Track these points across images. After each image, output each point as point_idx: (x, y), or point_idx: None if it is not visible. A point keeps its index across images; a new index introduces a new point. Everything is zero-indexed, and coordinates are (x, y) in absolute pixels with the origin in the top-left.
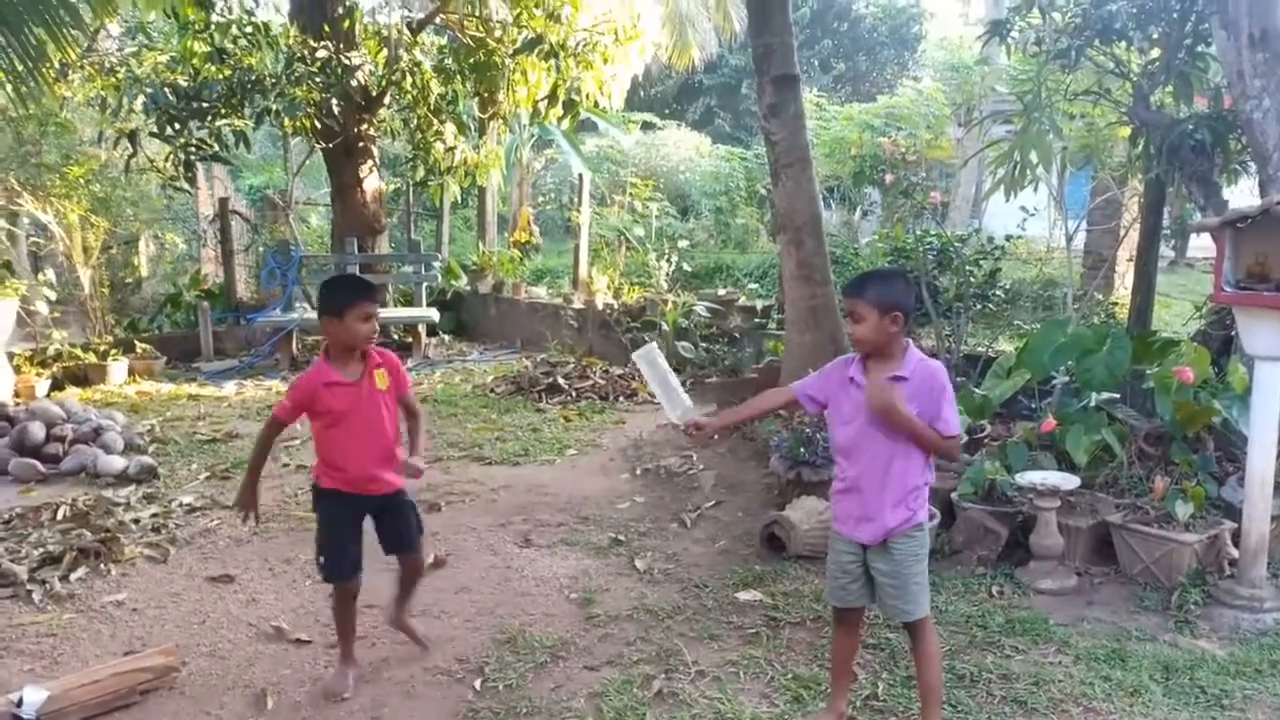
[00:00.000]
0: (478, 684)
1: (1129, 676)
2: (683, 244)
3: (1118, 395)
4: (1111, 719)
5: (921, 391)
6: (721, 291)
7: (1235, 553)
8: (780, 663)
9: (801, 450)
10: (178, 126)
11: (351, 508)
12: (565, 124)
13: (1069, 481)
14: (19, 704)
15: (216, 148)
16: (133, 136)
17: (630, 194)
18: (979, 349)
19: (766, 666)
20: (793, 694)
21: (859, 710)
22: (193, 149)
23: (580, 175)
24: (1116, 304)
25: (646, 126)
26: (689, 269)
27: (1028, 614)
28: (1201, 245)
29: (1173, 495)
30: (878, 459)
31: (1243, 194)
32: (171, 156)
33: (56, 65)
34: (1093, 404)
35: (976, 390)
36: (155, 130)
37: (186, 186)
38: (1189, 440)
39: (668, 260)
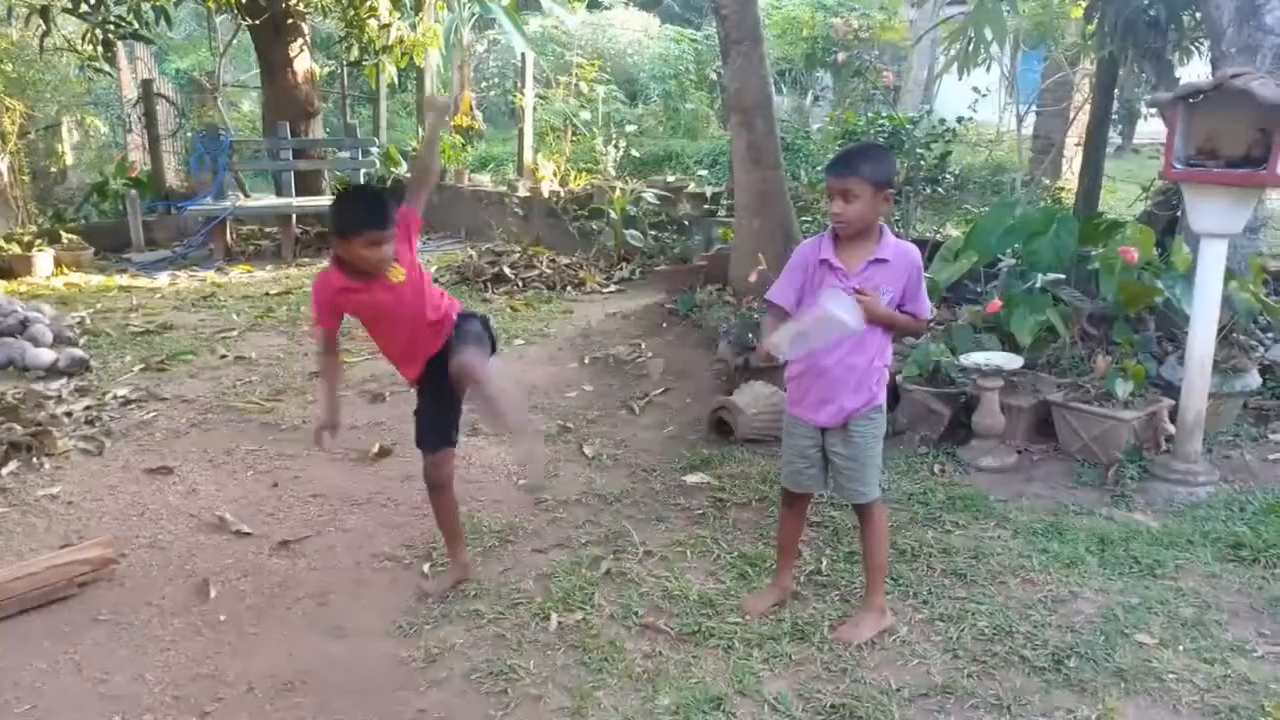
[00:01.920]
0: (426, 568)
1: (1065, 549)
2: (631, 129)
3: (1063, 277)
4: (1049, 589)
5: (901, 274)
6: (671, 178)
7: (1172, 429)
8: (726, 542)
9: (750, 336)
10: (93, 2)
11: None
12: (506, 0)
13: (1012, 362)
14: None
15: (136, 25)
16: (44, 12)
17: (576, 76)
18: (927, 234)
19: (713, 546)
20: (738, 571)
21: (803, 585)
22: (111, 26)
23: (523, 56)
24: (1064, 188)
25: (592, 6)
26: (637, 155)
27: (969, 491)
28: (1148, 131)
29: (1113, 374)
30: (841, 341)
31: (1193, 75)
32: (89, 35)
33: None
34: (1038, 286)
35: (925, 274)
36: (69, 6)
37: (107, 68)
38: (1131, 320)
39: (615, 146)
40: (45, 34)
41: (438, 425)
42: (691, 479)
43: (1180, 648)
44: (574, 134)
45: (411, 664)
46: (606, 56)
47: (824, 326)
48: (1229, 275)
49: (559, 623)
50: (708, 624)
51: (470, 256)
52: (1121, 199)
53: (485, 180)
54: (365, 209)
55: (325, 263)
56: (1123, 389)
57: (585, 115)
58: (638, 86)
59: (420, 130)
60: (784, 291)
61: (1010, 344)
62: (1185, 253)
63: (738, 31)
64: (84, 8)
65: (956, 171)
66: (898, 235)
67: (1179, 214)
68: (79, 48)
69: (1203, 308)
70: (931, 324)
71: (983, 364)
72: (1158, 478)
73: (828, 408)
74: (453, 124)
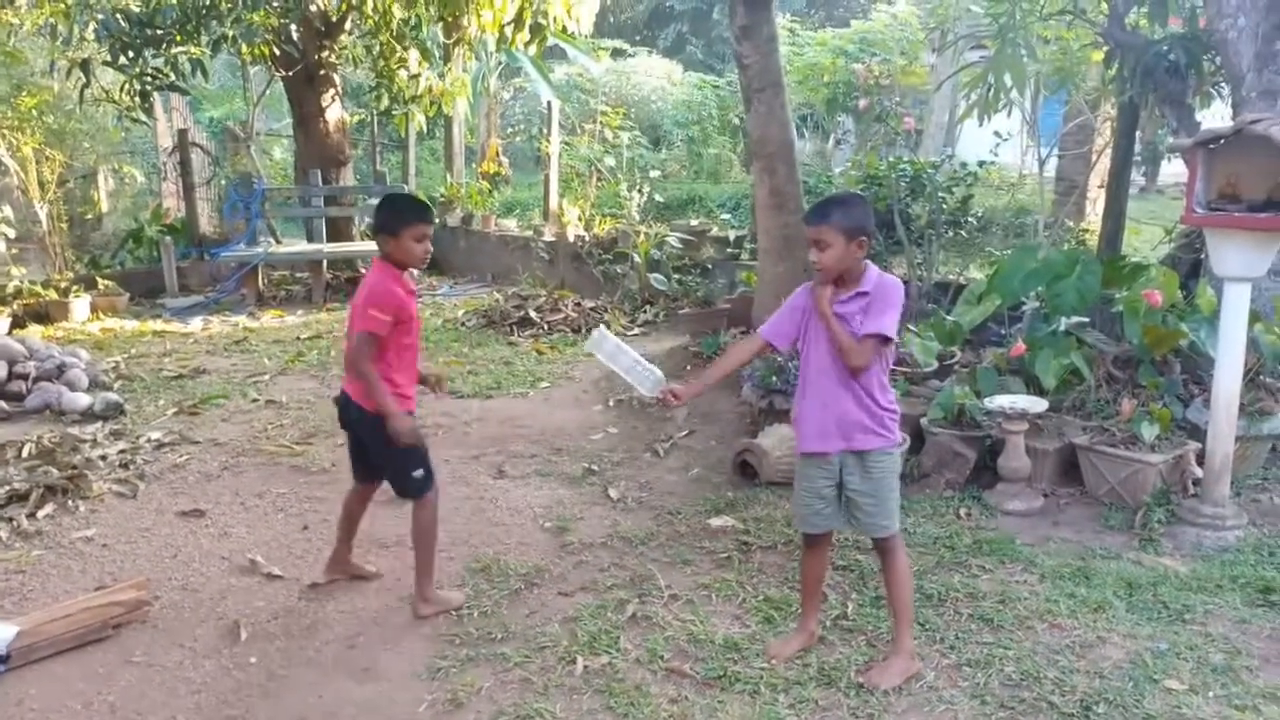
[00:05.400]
0: (452, 611)
1: (1093, 593)
2: (654, 174)
3: (1087, 320)
4: (1076, 634)
5: (874, 300)
6: (694, 222)
7: (1199, 472)
8: (752, 585)
9: (774, 378)
10: (132, 55)
11: None
12: (532, 49)
13: (1037, 405)
14: None
15: (173, 77)
16: (85, 66)
17: (601, 123)
18: (950, 277)
19: (738, 589)
20: (764, 615)
21: (829, 630)
22: (148, 78)
23: (549, 104)
24: (1087, 230)
25: (616, 54)
26: (661, 200)
27: (995, 535)
28: (1172, 172)
29: (1139, 417)
30: (840, 372)
31: (1214, 119)
32: (127, 86)
33: None
34: (1062, 329)
35: (948, 317)
36: (109, 59)
37: (144, 118)
38: (1156, 363)
39: (639, 191)
40: (85, 86)
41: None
42: (716, 522)
43: (1210, 694)
44: (599, 179)
45: (438, 707)
46: (630, 103)
47: (629, 368)
48: (1254, 318)
49: (585, 666)
50: (733, 668)
51: (496, 300)
52: (1146, 241)
53: (511, 225)
54: (411, 204)
55: None
56: (1149, 432)
57: (610, 161)
58: (661, 132)
59: (448, 176)
60: (771, 326)
61: (1035, 387)
62: (1210, 296)
63: (759, 80)
64: (122, 60)
65: (979, 214)
66: (920, 278)
67: (1203, 256)
68: (117, 99)
69: (1228, 350)
70: (954, 366)
71: (1008, 407)
72: (1186, 522)
73: (831, 432)
74: (479, 170)
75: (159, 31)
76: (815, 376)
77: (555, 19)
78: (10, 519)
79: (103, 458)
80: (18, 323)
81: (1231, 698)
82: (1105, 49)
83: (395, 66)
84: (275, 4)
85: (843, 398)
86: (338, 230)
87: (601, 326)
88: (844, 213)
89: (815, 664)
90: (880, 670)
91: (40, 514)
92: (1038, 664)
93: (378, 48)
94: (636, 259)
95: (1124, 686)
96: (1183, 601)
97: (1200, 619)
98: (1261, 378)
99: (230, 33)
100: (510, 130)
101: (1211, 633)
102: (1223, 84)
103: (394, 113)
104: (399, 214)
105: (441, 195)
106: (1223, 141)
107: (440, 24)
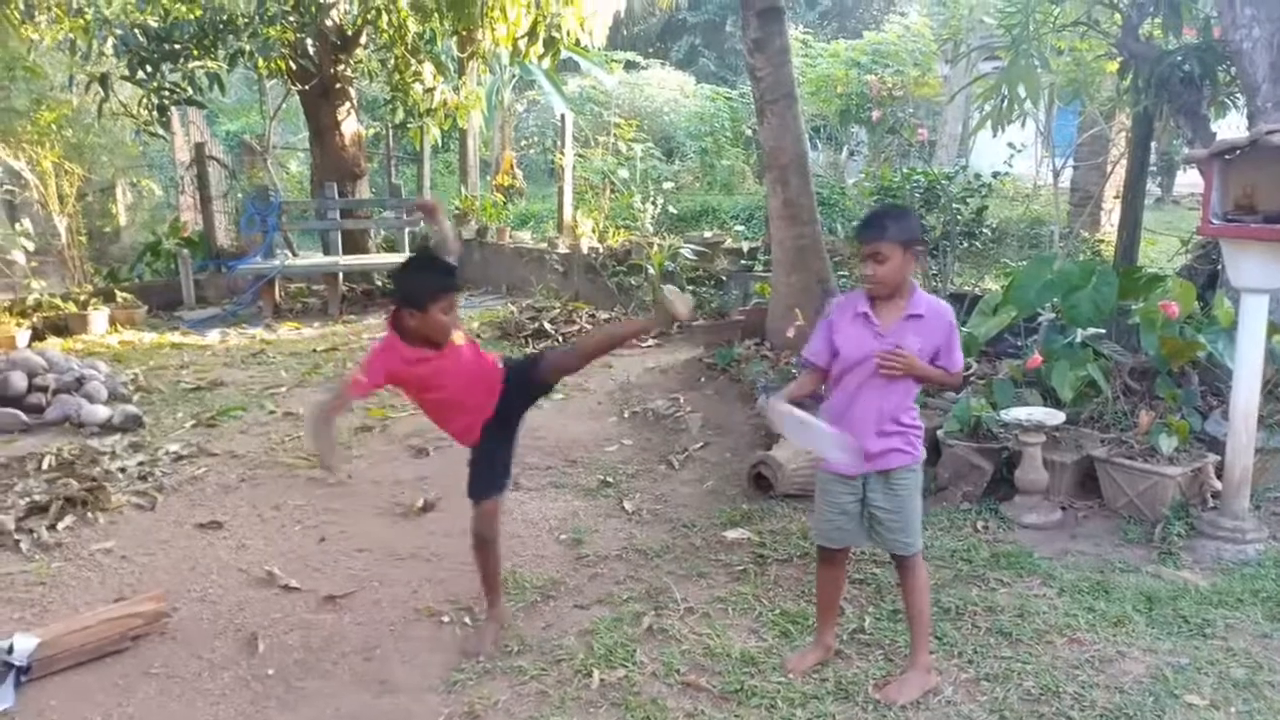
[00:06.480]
0: (468, 622)
1: (1112, 607)
2: (668, 186)
3: (1103, 331)
4: (1095, 649)
5: (934, 330)
6: (708, 234)
7: (1218, 485)
8: (768, 599)
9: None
10: (149, 69)
11: None
12: (546, 62)
13: (1054, 417)
14: (9, 651)
15: (190, 91)
16: (104, 80)
17: (614, 135)
18: (965, 288)
19: (754, 603)
20: (780, 629)
21: (846, 644)
22: (166, 93)
23: (563, 116)
24: (1103, 241)
25: (629, 66)
26: (674, 211)
27: (1012, 548)
28: (1188, 182)
29: (1157, 429)
30: (875, 393)
31: (1229, 129)
32: (144, 101)
33: (22, 7)
34: (1079, 340)
35: (963, 329)
36: (126, 74)
37: (161, 132)
38: (1174, 375)
39: (653, 203)
40: (103, 100)
41: (495, 470)
42: (732, 534)
43: (1232, 710)
44: (612, 191)
45: None
46: (644, 115)
47: (817, 441)
48: (1272, 329)
49: (601, 680)
50: (750, 682)
51: (511, 312)
52: (1162, 251)
53: (525, 237)
54: (436, 273)
55: (370, 320)
56: (1167, 444)
57: (623, 173)
58: (674, 144)
59: (463, 189)
60: (817, 349)
61: (1052, 399)
62: (1227, 307)
63: (772, 91)
64: (140, 75)
65: (994, 225)
66: (935, 289)
67: (1220, 268)
68: (135, 113)
69: (1246, 362)
70: (970, 378)
71: (1024, 419)
72: (1205, 535)
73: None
74: (494, 183)
75: (176, 46)
76: (849, 404)
77: (569, 32)
78: (30, 531)
79: (122, 470)
80: (37, 335)
81: (1253, 713)
82: (1119, 60)
83: (410, 80)
84: (291, 19)
85: (873, 426)
86: (354, 243)
87: (787, 406)
88: (899, 225)
89: (832, 678)
90: (898, 685)
91: (60, 526)
92: (1057, 679)
93: (393, 61)
94: (650, 270)
95: (1144, 702)
96: (1203, 615)
97: (1221, 633)
98: None
99: (247, 47)
100: (524, 143)
101: (1233, 647)
102: (1238, 94)
103: (409, 126)
104: (425, 285)
105: (456, 208)
106: (1239, 152)
107: (455, 38)
